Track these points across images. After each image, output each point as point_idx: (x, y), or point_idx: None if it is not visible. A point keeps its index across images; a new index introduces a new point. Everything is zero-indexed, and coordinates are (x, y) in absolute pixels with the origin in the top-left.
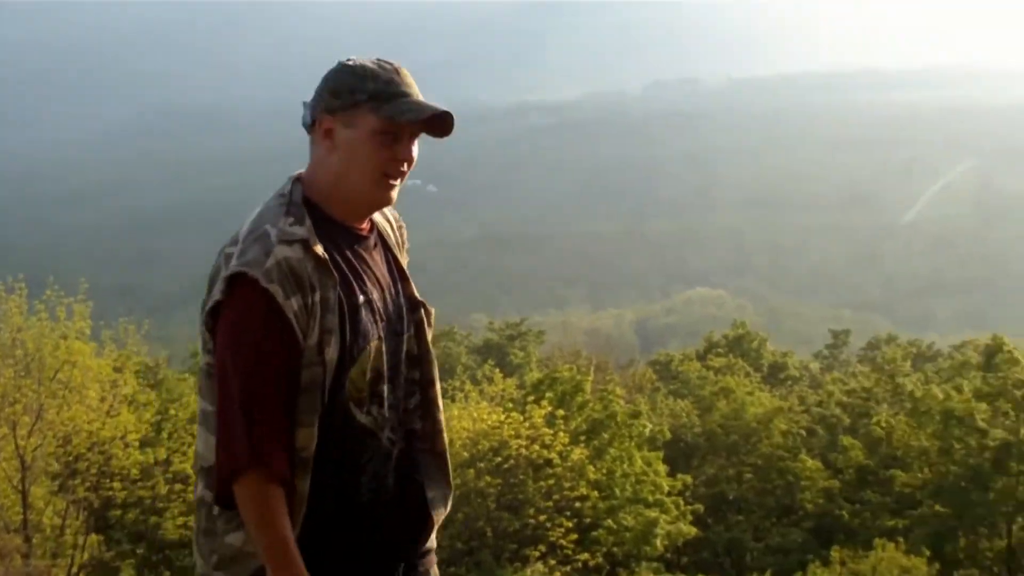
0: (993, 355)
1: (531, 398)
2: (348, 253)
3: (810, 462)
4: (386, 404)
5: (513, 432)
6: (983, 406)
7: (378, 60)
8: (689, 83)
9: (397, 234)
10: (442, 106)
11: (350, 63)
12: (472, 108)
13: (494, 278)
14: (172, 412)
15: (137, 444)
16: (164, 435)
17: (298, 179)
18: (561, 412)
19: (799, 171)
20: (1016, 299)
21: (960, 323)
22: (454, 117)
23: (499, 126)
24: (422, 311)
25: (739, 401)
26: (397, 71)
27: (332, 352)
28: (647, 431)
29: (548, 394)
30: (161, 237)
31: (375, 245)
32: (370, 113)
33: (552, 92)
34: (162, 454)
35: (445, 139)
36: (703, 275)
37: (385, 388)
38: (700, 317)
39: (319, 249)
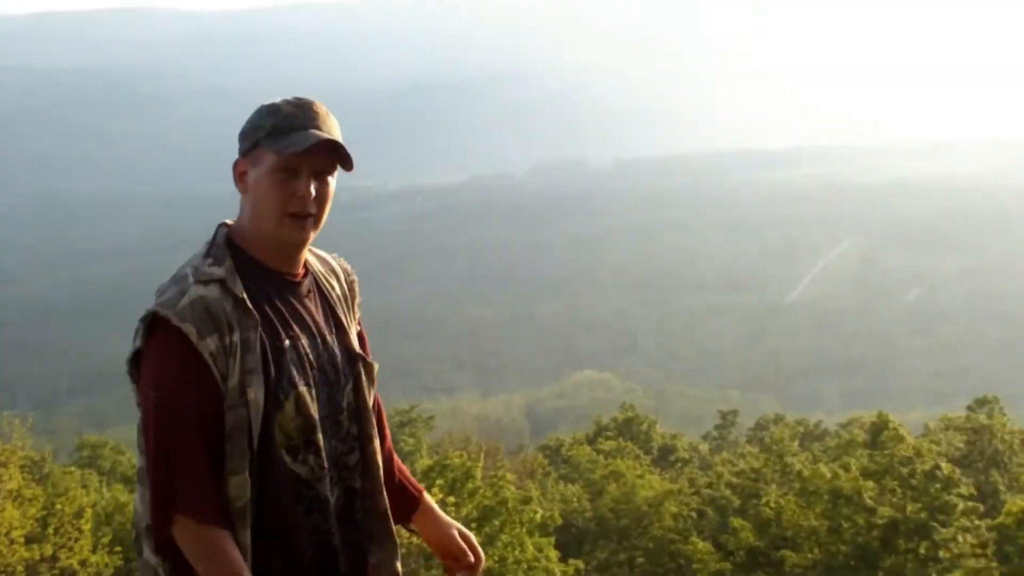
0: (879, 433)
1: (423, 485)
2: (274, 297)
3: (701, 544)
4: (323, 455)
5: None
6: (870, 484)
7: (295, 98)
8: (575, 164)
9: (346, 287)
10: (329, 135)
11: (264, 104)
12: (357, 193)
13: (382, 364)
14: (58, 507)
15: (22, 540)
16: (50, 531)
17: (224, 225)
18: (452, 499)
19: (686, 252)
20: (900, 376)
21: (846, 401)
22: (344, 147)
23: (385, 211)
24: (360, 365)
25: (629, 484)
26: (303, 106)
27: (255, 394)
28: (538, 517)
29: (439, 481)
30: (44, 328)
31: (308, 292)
32: (268, 150)
33: (438, 175)
34: (48, 550)
35: (331, 222)
36: (592, 358)
37: (320, 438)
38: (589, 400)
39: (237, 289)
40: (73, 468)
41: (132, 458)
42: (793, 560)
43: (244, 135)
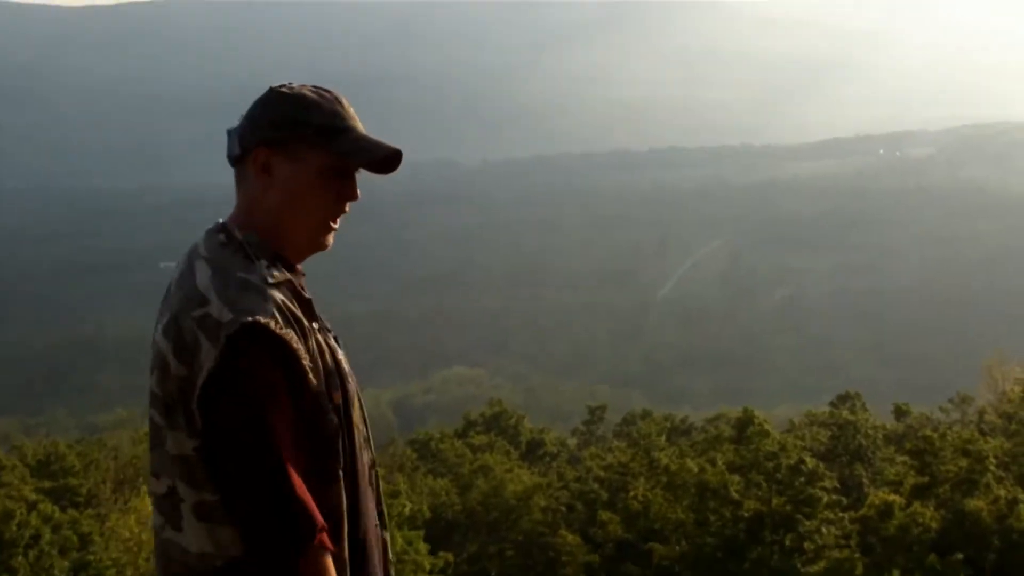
0: (745, 428)
1: None
2: (304, 292)
3: (570, 537)
4: (372, 445)
5: None
6: (736, 478)
7: (315, 88)
8: (446, 165)
9: None
10: (394, 144)
11: (286, 90)
12: (226, 191)
13: None
14: None
15: None
16: None
17: (231, 223)
18: None
19: (556, 251)
20: (767, 372)
21: (713, 397)
22: (402, 156)
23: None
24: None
25: (498, 478)
26: (339, 101)
27: (338, 396)
28: (407, 510)
29: None
30: None
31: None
32: (318, 148)
33: None
34: None
35: (198, 219)
36: (461, 354)
37: (368, 430)
38: (458, 396)
39: (302, 290)
40: None
41: None
42: (661, 552)
43: (277, 124)
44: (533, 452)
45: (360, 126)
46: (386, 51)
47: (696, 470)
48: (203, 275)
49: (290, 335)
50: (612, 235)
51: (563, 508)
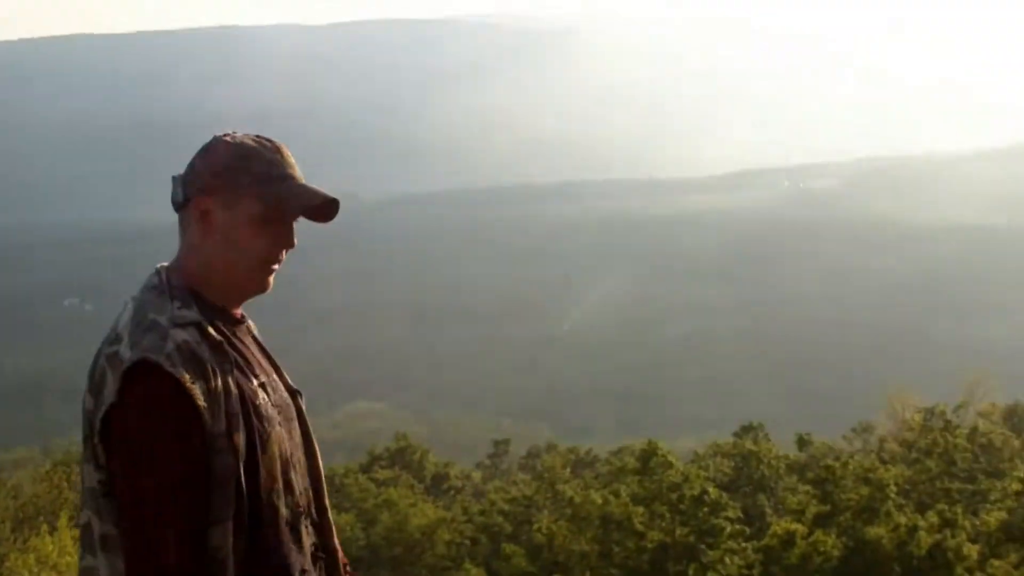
0: (648, 460)
1: None
2: (232, 338)
3: (474, 571)
4: (296, 493)
5: None
6: (640, 509)
7: (257, 137)
8: (348, 199)
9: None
10: (330, 193)
11: (229, 140)
12: (128, 225)
13: None
14: None
15: None
16: None
17: (163, 268)
18: None
19: (459, 284)
20: (670, 405)
21: (618, 430)
22: (338, 204)
23: (153, 244)
24: (299, 398)
25: (402, 513)
26: (279, 150)
27: (240, 438)
28: None
29: None
30: None
31: (247, 331)
32: (255, 196)
33: None
34: None
35: (106, 256)
36: (365, 388)
37: (294, 477)
38: (363, 431)
39: (213, 331)
40: None
41: None
42: None
43: (217, 174)
44: (438, 486)
45: (299, 174)
46: (288, 85)
47: (600, 502)
48: (126, 315)
49: (182, 374)
50: (515, 269)
51: (467, 541)
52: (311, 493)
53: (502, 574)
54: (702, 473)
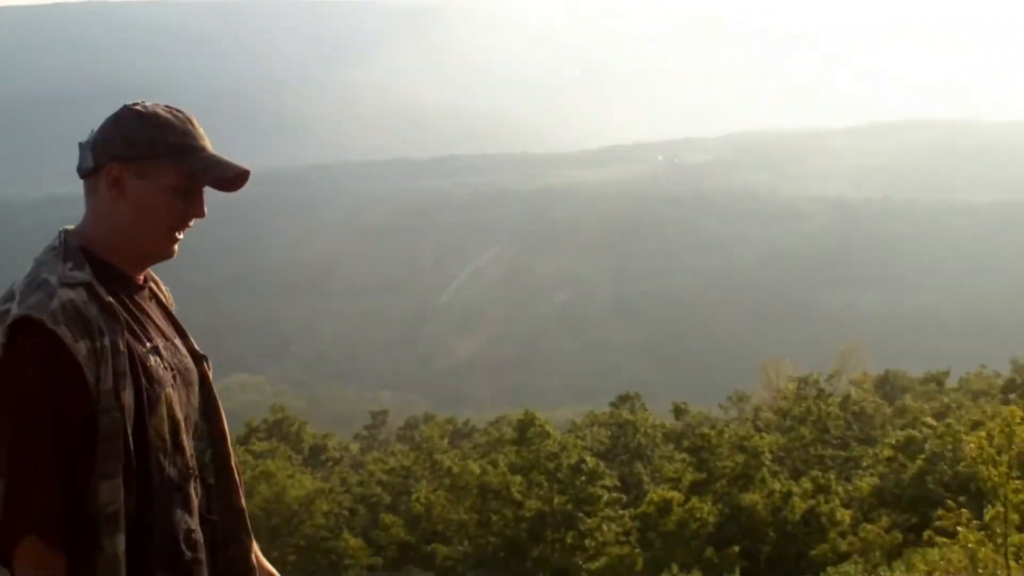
0: (526, 430)
1: None
2: (128, 301)
3: (353, 541)
4: (187, 455)
5: None
6: (518, 479)
7: (168, 107)
8: None
9: (161, 290)
10: (243, 164)
11: (141, 109)
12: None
13: None
14: None
15: None
16: None
17: (66, 231)
18: None
19: (335, 258)
20: (547, 375)
21: (495, 401)
22: (248, 177)
23: (26, 219)
24: (205, 363)
25: (280, 484)
26: (190, 121)
27: (128, 397)
28: None
29: None
30: None
31: (150, 297)
32: (169, 167)
33: (79, 186)
34: None
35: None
36: (242, 361)
37: (185, 439)
38: (240, 403)
39: (103, 292)
40: None
41: None
42: (444, 553)
43: (131, 143)
44: (316, 457)
45: (209, 145)
46: (153, 57)
47: (478, 472)
48: (25, 275)
49: (63, 331)
50: (391, 243)
51: (346, 512)
52: (208, 456)
53: (381, 544)
54: (579, 442)
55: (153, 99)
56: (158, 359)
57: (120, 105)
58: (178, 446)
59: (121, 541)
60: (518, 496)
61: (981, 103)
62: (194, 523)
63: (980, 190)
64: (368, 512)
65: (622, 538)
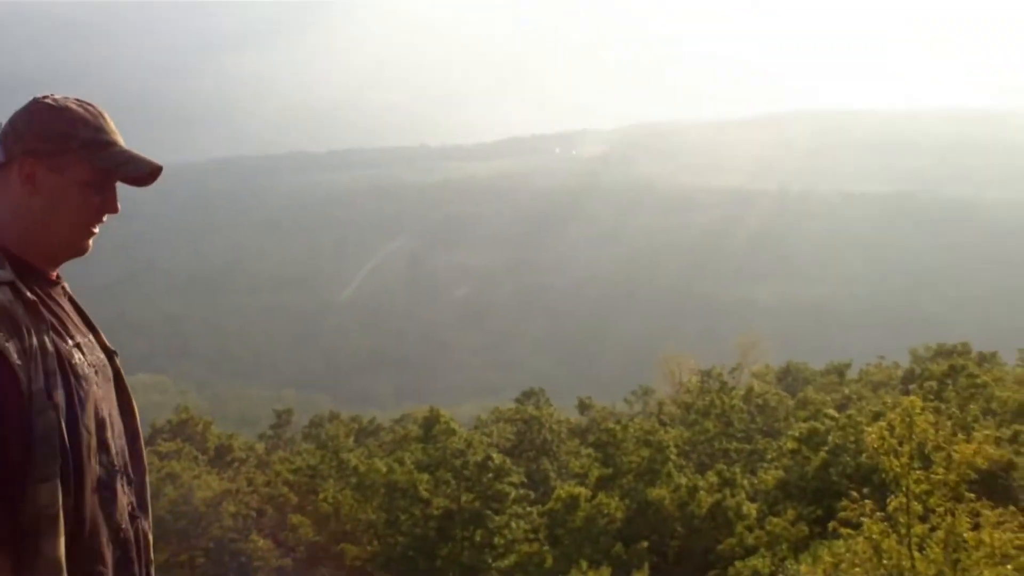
0: (431, 427)
1: None
2: (47, 299)
3: (261, 542)
4: (112, 453)
5: None
6: (425, 476)
7: (79, 101)
8: None
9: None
10: (156, 160)
11: (52, 103)
12: None
13: None
14: None
15: None
16: None
17: None
18: None
19: (234, 255)
20: (451, 371)
21: (399, 397)
22: (162, 170)
23: None
24: (116, 359)
25: (186, 485)
26: (102, 116)
27: (60, 396)
28: None
29: None
30: None
31: (63, 293)
32: (83, 162)
33: None
34: None
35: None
36: (144, 361)
37: (110, 437)
38: (144, 404)
39: (28, 291)
40: None
41: None
42: (353, 553)
43: (45, 138)
44: (221, 458)
45: (122, 140)
46: (45, 51)
47: (385, 470)
48: None
49: None
50: (290, 238)
51: (253, 513)
52: (127, 452)
53: (290, 544)
54: (485, 439)
55: (40, 93)
56: (81, 356)
57: (5, 98)
58: (104, 444)
59: (60, 544)
60: (425, 494)
61: (879, 93)
62: (124, 521)
63: (877, 181)
64: (276, 513)
65: (531, 535)
